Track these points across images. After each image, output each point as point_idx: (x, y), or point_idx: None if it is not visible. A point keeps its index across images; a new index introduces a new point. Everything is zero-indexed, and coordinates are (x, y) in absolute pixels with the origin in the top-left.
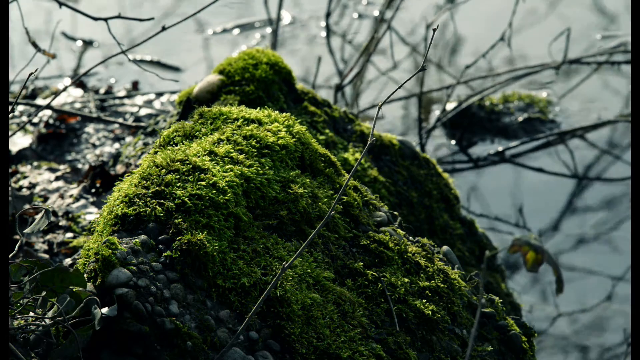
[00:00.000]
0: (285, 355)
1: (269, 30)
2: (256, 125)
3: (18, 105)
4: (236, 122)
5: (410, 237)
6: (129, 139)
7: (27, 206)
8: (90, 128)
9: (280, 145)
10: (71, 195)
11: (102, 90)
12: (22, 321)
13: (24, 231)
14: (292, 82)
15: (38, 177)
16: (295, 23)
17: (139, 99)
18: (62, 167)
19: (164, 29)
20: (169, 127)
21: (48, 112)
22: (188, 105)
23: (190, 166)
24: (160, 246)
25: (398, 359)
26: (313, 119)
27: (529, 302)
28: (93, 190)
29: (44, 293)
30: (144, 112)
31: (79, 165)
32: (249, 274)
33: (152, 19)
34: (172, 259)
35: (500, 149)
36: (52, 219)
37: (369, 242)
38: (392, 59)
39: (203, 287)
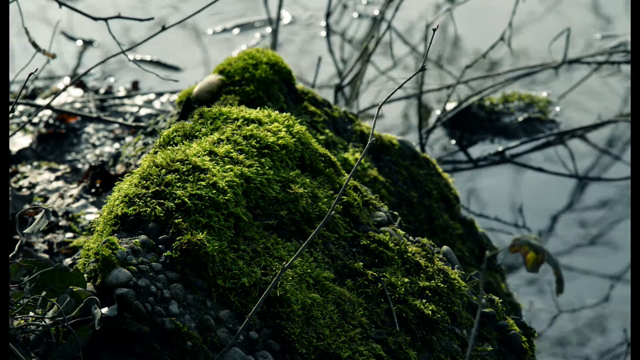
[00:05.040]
0: (285, 355)
1: (269, 30)
2: (256, 125)
3: (18, 105)
4: (236, 122)
5: (410, 237)
6: (129, 139)
7: (27, 206)
8: (90, 128)
9: (280, 145)
10: (71, 195)
11: (102, 90)
12: (22, 321)
13: (24, 231)
14: (292, 82)
15: (38, 177)
16: (295, 23)
17: (139, 99)
18: (62, 167)
19: (164, 28)
20: (169, 127)
21: (48, 112)
22: (188, 105)
23: (190, 166)
24: (160, 246)
25: (398, 359)
26: (313, 119)
27: (529, 302)
28: (93, 190)
29: (44, 293)
30: (144, 112)
31: (79, 165)
32: (249, 274)
33: (152, 18)
34: (172, 259)
35: (500, 149)
36: (52, 219)
37: (369, 242)
38: (392, 58)
39: (203, 287)
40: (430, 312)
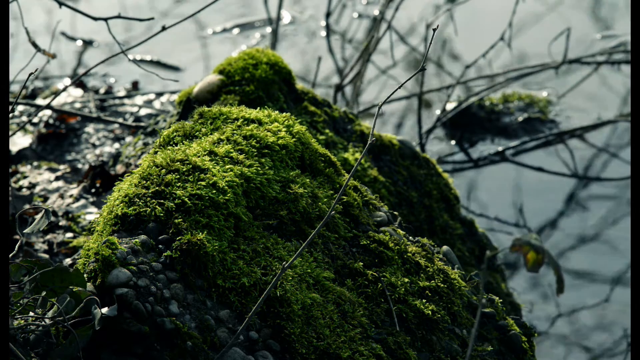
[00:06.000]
0: (285, 355)
1: (269, 30)
2: (256, 125)
3: (18, 105)
4: (236, 122)
5: (410, 237)
6: (129, 139)
7: (27, 206)
8: (90, 128)
9: (280, 145)
10: (71, 195)
11: (102, 90)
12: (22, 321)
13: (24, 231)
14: (292, 82)
15: (38, 177)
16: (295, 23)
17: (139, 99)
18: (62, 167)
19: (164, 28)
20: (169, 127)
21: (48, 112)
22: (188, 105)
23: (190, 166)
24: (160, 246)
25: (398, 359)
26: (313, 119)
27: (529, 302)
28: (93, 190)
29: (44, 293)
30: (144, 112)
31: (79, 165)
32: (249, 274)
33: (152, 18)
34: (172, 259)
35: (500, 148)
36: (52, 219)
37: (369, 242)
38: (392, 58)
39: (203, 287)
40: (430, 312)
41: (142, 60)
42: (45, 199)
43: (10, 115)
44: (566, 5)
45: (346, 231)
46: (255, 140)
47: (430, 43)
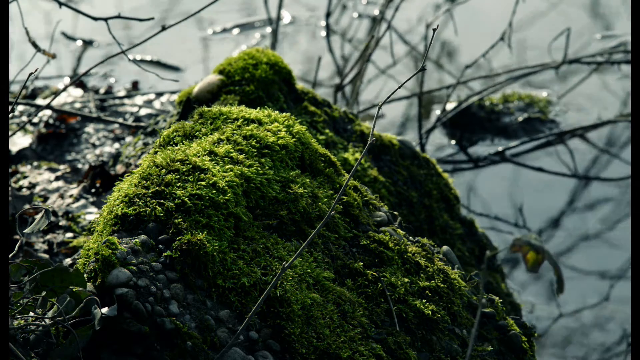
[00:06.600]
0: (285, 355)
1: (269, 30)
2: (256, 125)
3: (18, 105)
4: (236, 122)
5: (410, 237)
6: (129, 139)
7: (27, 206)
8: (90, 128)
9: (280, 145)
10: (71, 195)
11: (102, 90)
12: (22, 321)
13: (24, 231)
14: (292, 82)
15: (38, 177)
16: (295, 23)
17: (139, 99)
18: (62, 167)
19: (163, 28)
20: (169, 127)
21: (48, 112)
22: (188, 105)
23: (190, 166)
24: (160, 246)
25: (398, 359)
26: (313, 119)
27: (530, 302)
28: (93, 190)
29: (44, 293)
30: (144, 112)
31: (79, 165)
32: (249, 274)
33: (152, 18)
34: (172, 259)
35: (500, 148)
36: (52, 219)
37: (369, 242)
38: (392, 58)
39: (203, 287)
40: (430, 312)
41: (142, 60)
42: (45, 199)
43: (10, 115)
44: (566, 5)
45: (346, 231)
46: (255, 140)
47: (431, 43)
